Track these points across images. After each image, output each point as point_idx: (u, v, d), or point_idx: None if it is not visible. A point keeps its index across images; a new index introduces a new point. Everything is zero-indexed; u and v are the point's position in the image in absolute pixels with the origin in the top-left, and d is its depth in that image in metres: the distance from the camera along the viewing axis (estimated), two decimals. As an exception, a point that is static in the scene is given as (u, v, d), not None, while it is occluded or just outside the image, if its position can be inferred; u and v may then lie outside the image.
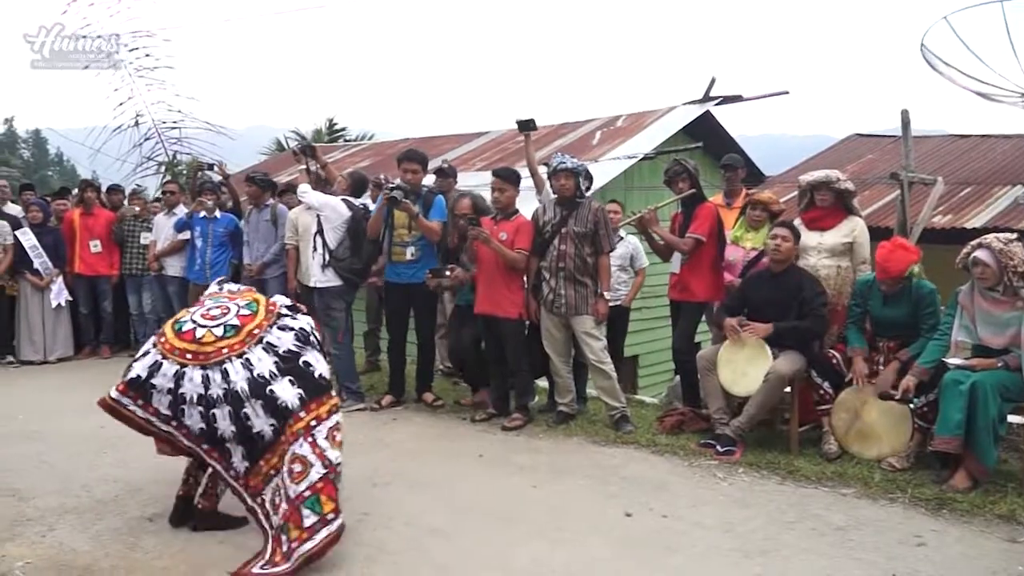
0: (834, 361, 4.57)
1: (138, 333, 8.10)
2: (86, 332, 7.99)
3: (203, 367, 3.21)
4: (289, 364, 3.31)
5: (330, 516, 3.11)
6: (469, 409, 5.69)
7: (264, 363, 3.26)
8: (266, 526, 3.21)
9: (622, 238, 5.92)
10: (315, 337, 3.52)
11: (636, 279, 6.05)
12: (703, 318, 5.45)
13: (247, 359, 3.25)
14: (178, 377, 3.20)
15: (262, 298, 3.59)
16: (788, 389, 4.62)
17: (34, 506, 3.77)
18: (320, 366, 3.40)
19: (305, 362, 3.36)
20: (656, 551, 3.35)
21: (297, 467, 3.16)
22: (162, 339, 3.32)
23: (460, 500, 3.93)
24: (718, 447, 4.59)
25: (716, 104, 10.40)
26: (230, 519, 3.48)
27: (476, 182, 8.54)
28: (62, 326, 7.74)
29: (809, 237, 4.84)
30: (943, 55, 9.27)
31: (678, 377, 5.78)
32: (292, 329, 3.44)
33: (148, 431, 3.30)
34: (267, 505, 3.24)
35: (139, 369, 3.25)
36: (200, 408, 3.18)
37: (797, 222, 4.89)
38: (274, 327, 3.41)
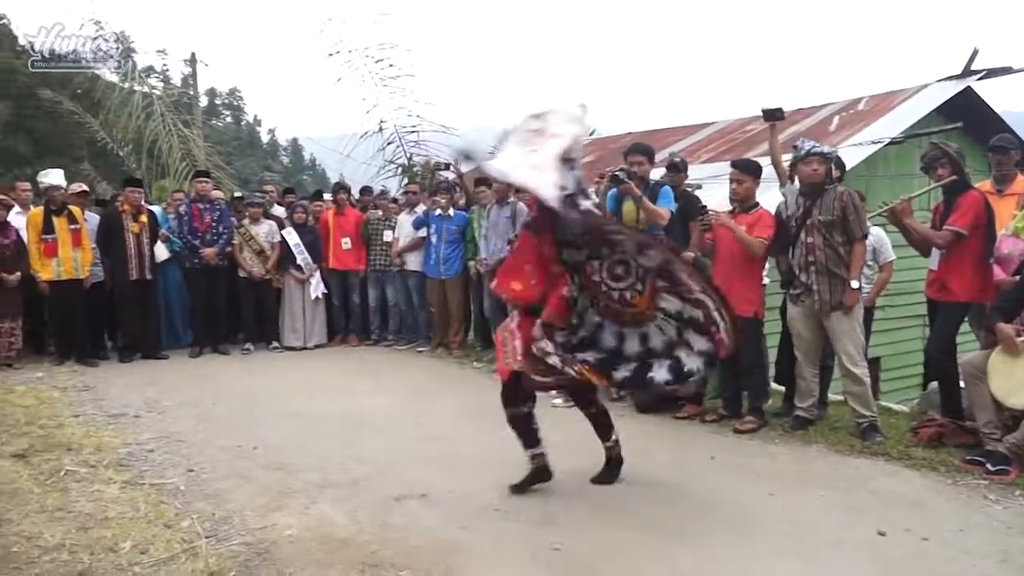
0: None
1: (371, 324, 8.69)
2: (338, 322, 8.77)
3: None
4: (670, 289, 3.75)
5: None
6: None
7: (672, 302, 3.74)
8: None
9: (866, 230, 5.44)
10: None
11: (880, 275, 5.54)
12: (966, 320, 4.88)
13: (663, 308, 3.75)
14: (642, 338, 3.80)
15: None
16: (1079, 403, 3.99)
17: (299, 480, 4.17)
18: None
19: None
20: (916, 577, 3.04)
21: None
22: (616, 313, 3.77)
23: (696, 504, 3.82)
24: (988, 465, 4.07)
25: (979, 79, 9.32)
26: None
27: (704, 174, 8.29)
28: (319, 316, 8.57)
29: (1110, 227, 4.15)
30: None
31: (934, 384, 5.21)
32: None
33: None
34: None
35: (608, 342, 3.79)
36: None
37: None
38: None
